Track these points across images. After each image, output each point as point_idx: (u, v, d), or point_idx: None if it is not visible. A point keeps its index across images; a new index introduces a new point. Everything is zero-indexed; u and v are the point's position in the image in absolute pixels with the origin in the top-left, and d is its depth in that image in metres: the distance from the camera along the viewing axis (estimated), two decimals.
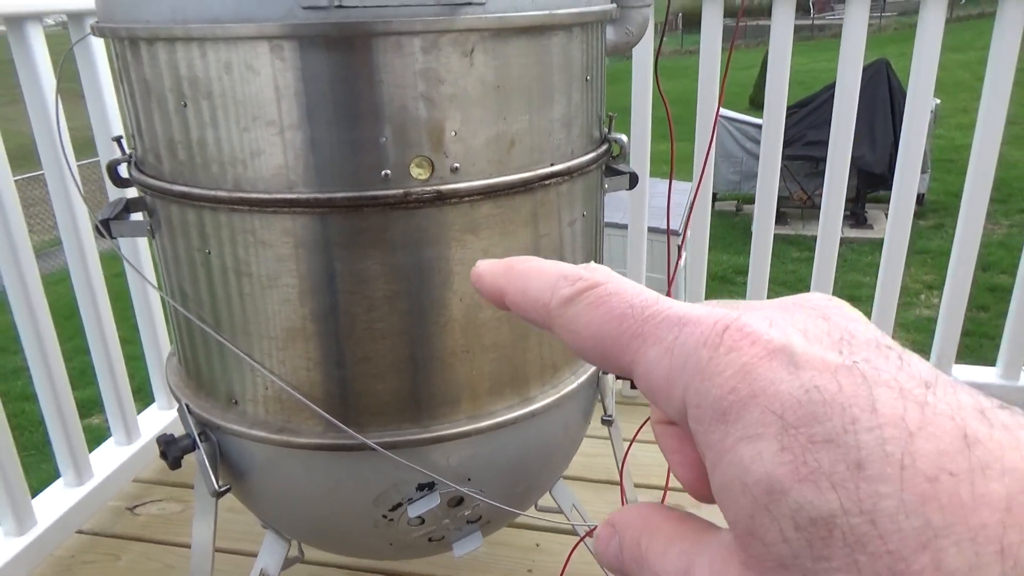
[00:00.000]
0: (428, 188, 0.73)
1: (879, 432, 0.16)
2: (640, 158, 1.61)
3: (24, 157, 1.26)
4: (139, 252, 1.35)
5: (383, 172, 0.72)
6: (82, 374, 2.39)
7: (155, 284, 0.91)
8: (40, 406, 1.32)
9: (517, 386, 0.87)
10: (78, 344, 1.68)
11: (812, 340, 0.18)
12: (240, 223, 0.76)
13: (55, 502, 1.33)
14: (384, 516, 0.87)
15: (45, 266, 1.63)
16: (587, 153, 0.85)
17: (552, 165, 0.80)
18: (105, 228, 0.88)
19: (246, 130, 0.71)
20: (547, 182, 0.80)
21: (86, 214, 1.36)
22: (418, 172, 0.73)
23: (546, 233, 0.83)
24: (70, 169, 1.20)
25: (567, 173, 0.82)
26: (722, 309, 0.20)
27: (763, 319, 0.19)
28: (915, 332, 5.17)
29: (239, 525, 1.34)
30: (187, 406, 0.89)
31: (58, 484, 1.37)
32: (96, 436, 1.50)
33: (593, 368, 0.96)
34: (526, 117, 0.76)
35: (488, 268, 0.26)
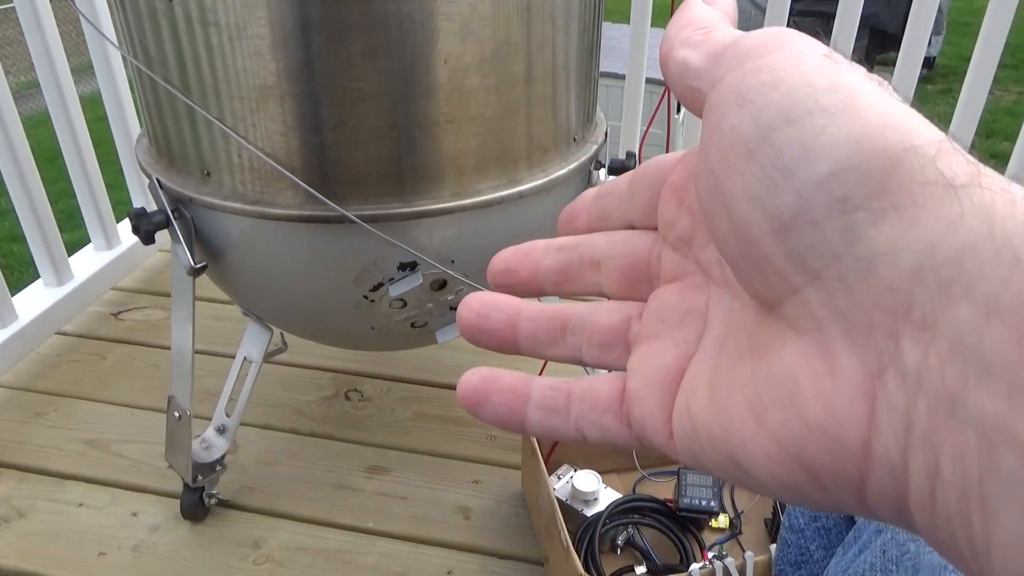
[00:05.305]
0: None
1: None
2: (641, 3, 1.49)
3: None
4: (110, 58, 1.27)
5: None
6: (69, 217, 2.35)
7: (116, 43, 0.85)
8: (14, 205, 1.28)
9: (504, 165, 0.83)
10: (63, 187, 1.62)
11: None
12: None
13: (36, 300, 1.32)
14: (365, 296, 0.85)
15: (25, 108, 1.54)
16: None
17: None
18: None
19: None
20: None
21: (62, 50, 1.28)
22: None
23: None
24: None
25: None
26: None
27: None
28: None
29: (225, 332, 1.34)
30: (159, 181, 0.85)
31: (37, 284, 1.36)
32: None
33: (585, 158, 0.92)
34: None
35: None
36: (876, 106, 0.17)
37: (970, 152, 0.17)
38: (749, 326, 0.20)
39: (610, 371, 0.24)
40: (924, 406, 0.15)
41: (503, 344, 0.25)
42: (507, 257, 0.26)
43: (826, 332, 0.17)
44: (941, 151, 0.16)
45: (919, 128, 0.17)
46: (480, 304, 0.24)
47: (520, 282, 0.26)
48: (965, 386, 0.15)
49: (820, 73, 0.18)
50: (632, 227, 0.26)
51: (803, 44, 0.19)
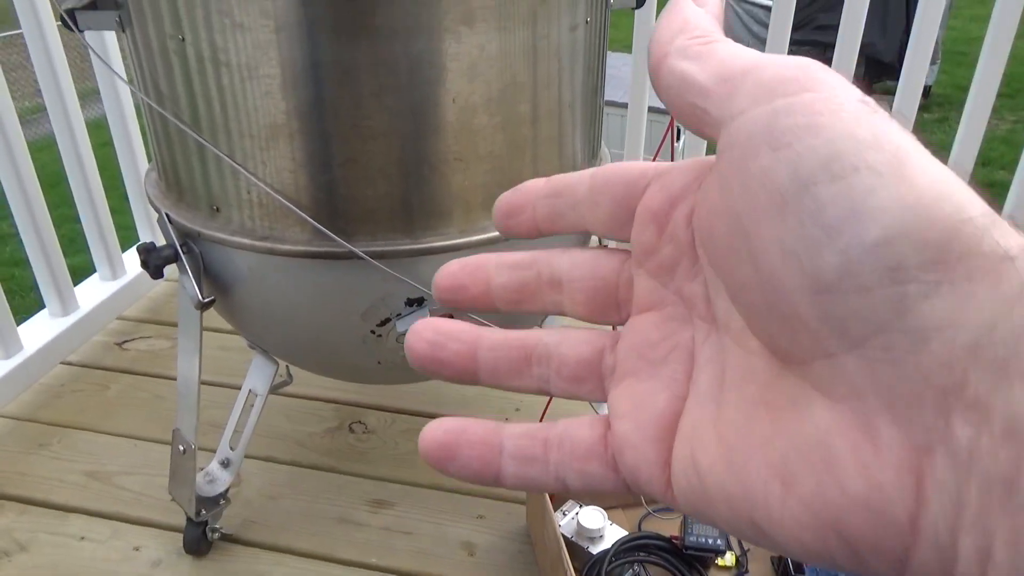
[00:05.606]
0: None
1: None
2: (643, 33, 1.51)
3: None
4: (118, 89, 1.28)
5: None
6: (71, 242, 2.36)
7: (126, 79, 0.86)
8: (20, 235, 1.29)
9: None
10: (66, 212, 1.63)
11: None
12: (216, 4, 0.70)
13: (41, 330, 1.32)
14: (372, 332, 0.86)
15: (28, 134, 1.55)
16: None
17: None
18: (71, 19, 0.81)
19: None
20: None
21: (69, 77, 1.29)
22: None
23: (545, 35, 0.77)
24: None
25: None
26: None
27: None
28: None
29: (230, 362, 1.34)
30: (167, 215, 0.86)
31: (43, 314, 1.36)
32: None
33: None
34: None
35: None
36: (928, 171, 0.16)
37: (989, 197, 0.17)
38: (759, 378, 0.19)
39: (603, 408, 0.23)
40: (976, 488, 0.15)
41: (461, 375, 0.23)
42: (454, 271, 0.25)
43: (866, 402, 0.16)
44: (994, 222, 0.16)
45: (970, 198, 0.16)
46: (433, 333, 0.23)
47: (471, 299, 0.25)
48: (1019, 470, 0.14)
49: (862, 124, 0.17)
50: (587, 232, 0.24)
51: (839, 86, 0.18)
